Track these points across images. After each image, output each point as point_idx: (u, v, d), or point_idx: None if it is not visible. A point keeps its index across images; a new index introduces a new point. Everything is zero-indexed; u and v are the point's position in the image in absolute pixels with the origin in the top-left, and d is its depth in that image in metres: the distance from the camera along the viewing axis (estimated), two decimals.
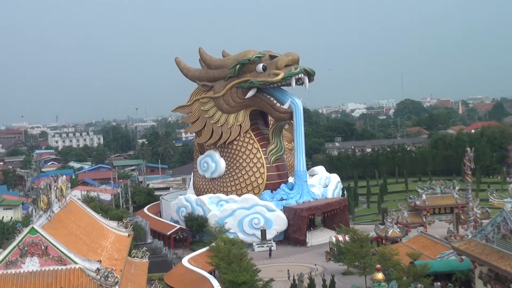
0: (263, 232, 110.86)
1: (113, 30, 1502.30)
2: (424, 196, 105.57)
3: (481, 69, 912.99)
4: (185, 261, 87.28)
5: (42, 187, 55.11)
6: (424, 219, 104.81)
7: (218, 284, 71.15)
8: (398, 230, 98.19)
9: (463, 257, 68.36)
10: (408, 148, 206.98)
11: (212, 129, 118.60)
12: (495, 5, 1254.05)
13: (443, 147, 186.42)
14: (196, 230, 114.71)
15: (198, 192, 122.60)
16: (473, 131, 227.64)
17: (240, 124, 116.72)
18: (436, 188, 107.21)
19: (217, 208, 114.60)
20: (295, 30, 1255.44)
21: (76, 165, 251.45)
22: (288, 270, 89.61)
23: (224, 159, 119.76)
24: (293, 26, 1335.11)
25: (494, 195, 64.13)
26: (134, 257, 67.27)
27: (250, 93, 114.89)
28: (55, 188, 56.72)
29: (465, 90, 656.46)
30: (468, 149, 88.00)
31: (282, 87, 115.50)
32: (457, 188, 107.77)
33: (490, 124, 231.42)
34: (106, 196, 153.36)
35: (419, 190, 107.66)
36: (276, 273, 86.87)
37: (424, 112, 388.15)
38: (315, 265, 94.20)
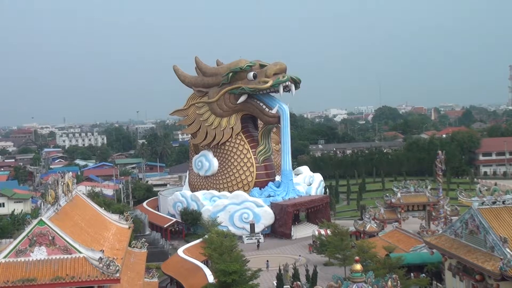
0: (252, 226, 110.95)
1: (117, 40, 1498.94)
2: (399, 195, 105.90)
3: (453, 79, 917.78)
4: (180, 251, 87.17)
5: (50, 182, 55.01)
6: (399, 216, 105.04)
7: (210, 273, 71.14)
8: (375, 225, 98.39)
9: (434, 250, 68.50)
10: (385, 151, 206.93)
11: (207, 131, 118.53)
12: (467, 22, 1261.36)
13: (416, 150, 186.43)
14: (190, 223, 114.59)
15: (193, 189, 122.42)
16: (444, 135, 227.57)
17: (232, 127, 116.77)
18: (410, 187, 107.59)
19: (210, 203, 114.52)
20: (282, 40, 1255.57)
21: (82, 162, 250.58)
22: (267, 261, 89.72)
23: (217, 158, 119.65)
24: (281, 37, 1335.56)
25: (463, 194, 64.27)
26: (133, 247, 67.12)
27: (242, 98, 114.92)
28: (62, 184, 56.60)
29: (437, 98, 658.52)
30: (440, 152, 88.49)
31: (270, 94, 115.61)
32: (429, 187, 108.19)
33: (459, 129, 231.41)
34: (109, 191, 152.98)
35: (395, 189, 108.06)
36: (263, 264, 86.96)
37: (399, 118, 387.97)
38: (299, 256, 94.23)
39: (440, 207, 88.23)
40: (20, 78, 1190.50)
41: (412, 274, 72.44)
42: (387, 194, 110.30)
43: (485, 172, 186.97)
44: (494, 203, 59.53)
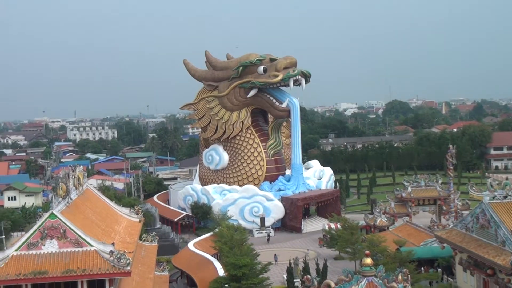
0: (262, 220, 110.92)
1: (128, 35, 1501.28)
2: (409, 189, 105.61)
3: (464, 73, 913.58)
4: (191, 245, 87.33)
5: (61, 176, 55.25)
6: (409, 210, 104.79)
7: (220, 266, 71.24)
8: (386, 219, 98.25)
9: (445, 244, 68.44)
10: (395, 145, 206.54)
11: (217, 125, 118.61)
12: (477, 15, 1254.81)
13: (427, 144, 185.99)
14: (201, 217, 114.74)
15: (203, 182, 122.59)
16: (455, 130, 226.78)
17: (242, 121, 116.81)
18: (420, 182, 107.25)
19: (220, 197, 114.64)
20: (293, 35, 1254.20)
21: (92, 156, 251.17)
22: (275, 255, 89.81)
23: (227, 152, 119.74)
24: (291, 31, 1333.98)
25: (473, 188, 64.12)
26: (144, 241, 67.41)
27: (252, 92, 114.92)
28: (73, 177, 56.81)
29: (448, 92, 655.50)
30: (451, 146, 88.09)
31: (281, 88, 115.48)
32: (440, 181, 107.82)
33: (470, 123, 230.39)
34: (119, 185, 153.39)
35: (405, 183, 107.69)
36: (273, 258, 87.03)
37: (410, 112, 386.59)
38: (308, 250, 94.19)
39: (451, 201, 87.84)
40: (31, 72, 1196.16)
41: (422, 268, 72.42)
42: (398, 188, 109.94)
43: (496, 167, 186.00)
44: (505, 197, 59.46)
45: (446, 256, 72.27)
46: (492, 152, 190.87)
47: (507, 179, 64.09)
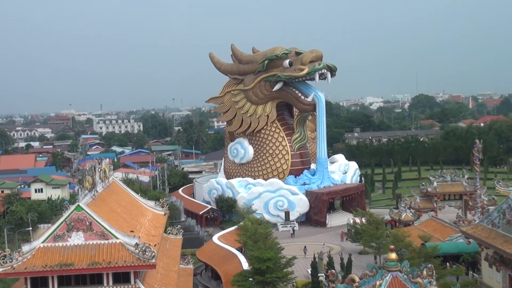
0: (287, 214, 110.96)
1: (155, 30, 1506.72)
2: (435, 183, 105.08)
3: (491, 67, 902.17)
4: (215, 238, 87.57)
5: (87, 168, 55.57)
6: (435, 205, 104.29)
7: (245, 260, 71.35)
8: (411, 214, 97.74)
9: (471, 240, 67.96)
10: (421, 139, 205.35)
11: (242, 118, 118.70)
12: (506, 4, 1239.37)
13: (453, 139, 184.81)
14: (225, 210, 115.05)
15: (228, 176, 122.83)
16: (482, 124, 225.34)
17: (267, 115, 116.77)
18: (446, 176, 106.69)
19: (245, 190, 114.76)
20: (319, 27, 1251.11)
21: (118, 149, 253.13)
22: (305, 247, 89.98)
23: (252, 146, 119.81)
24: (317, 24, 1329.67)
25: (500, 183, 63.75)
26: (169, 233, 67.71)
27: (277, 86, 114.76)
28: (99, 170, 57.13)
29: (475, 86, 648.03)
30: (477, 141, 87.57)
31: (306, 81, 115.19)
32: (466, 176, 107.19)
33: (498, 118, 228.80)
34: (145, 178, 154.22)
35: (431, 177, 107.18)
36: (298, 251, 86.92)
37: (436, 106, 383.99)
38: (323, 244, 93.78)
39: (477, 197, 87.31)
40: (58, 66, 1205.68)
41: (448, 263, 71.98)
42: (423, 183, 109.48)
43: None
44: None
45: (471, 251, 71.77)
46: None
47: None
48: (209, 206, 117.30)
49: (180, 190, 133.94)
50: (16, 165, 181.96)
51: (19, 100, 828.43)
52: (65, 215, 47.24)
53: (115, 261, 45.13)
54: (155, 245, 48.71)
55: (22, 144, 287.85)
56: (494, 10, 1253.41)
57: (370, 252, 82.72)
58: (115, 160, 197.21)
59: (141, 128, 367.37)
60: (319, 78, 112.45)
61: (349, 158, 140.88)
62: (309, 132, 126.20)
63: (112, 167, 69.66)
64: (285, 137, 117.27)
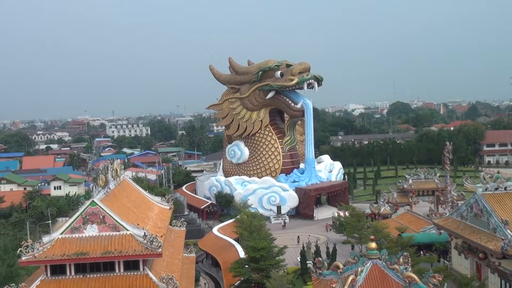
0: (279, 208, 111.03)
1: (162, 44, 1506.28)
2: (410, 181, 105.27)
3: (460, 76, 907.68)
4: (215, 230, 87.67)
5: (101, 168, 55.46)
6: (410, 200, 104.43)
7: (241, 249, 71.42)
8: (389, 208, 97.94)
9: (442, 231, 68.08)
10: (398, 142, 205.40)
11: (239, 123, 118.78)
12: (476, 24, 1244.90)
13: (427, 141, 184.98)
14: (224, 205, 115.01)
15: (226, 175, 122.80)
16: (452, 128, 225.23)
17: (261, 120, 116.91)
18: (420, 175, 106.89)
19: (241, 187, 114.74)
20: (306, 40, 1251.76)
21: (128, 151, 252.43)
22: (298, 237, 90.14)
23: (248, 148, 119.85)
24: (303, 37, 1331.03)
25: (468, 181, 63.77)
26: (174, 226, 67.62)
27: (270, 94, 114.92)
28: (111, 169, 57.12)
29: (446, 94, 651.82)
30: (448, 143, 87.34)
31: (296, 90, 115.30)
32: (437, 174, 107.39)
33: (466, 122, 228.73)
34: (152, 176, 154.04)
35: (407, 176, 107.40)
36: (288, 241, 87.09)
37: (411, 112, 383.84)
38: (309, 235, 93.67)
39: (447, 192, 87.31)
40: (75, 77, 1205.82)
41: (421, 252, 72.06)
42: (400, 180, 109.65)
43: (489, 161, 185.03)
44: (496, 189, 59.03)
45: (443, 241, 71.91)
46: (485, 148, 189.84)
47: (498, 172, 63.77)
48: (210, 201, 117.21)
49: (183, 187, 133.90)
50: (37, 165, 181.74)
51: (40, 107, 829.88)
52: (81, 209, 47.15)
53: (126, 251, 45.06)
54: (161, 236, 48.70)
55: (43, 147, 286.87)
56: (460, 28, 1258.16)
57: (353, 242, 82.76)
58: (126, 160, 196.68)
59: (149, 132, 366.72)
60: (307, 87, 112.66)
61: (334, 158, 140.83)
62: (299, 135, 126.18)
63: (123, 167, 69.44)
64: (277, 140, 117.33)
